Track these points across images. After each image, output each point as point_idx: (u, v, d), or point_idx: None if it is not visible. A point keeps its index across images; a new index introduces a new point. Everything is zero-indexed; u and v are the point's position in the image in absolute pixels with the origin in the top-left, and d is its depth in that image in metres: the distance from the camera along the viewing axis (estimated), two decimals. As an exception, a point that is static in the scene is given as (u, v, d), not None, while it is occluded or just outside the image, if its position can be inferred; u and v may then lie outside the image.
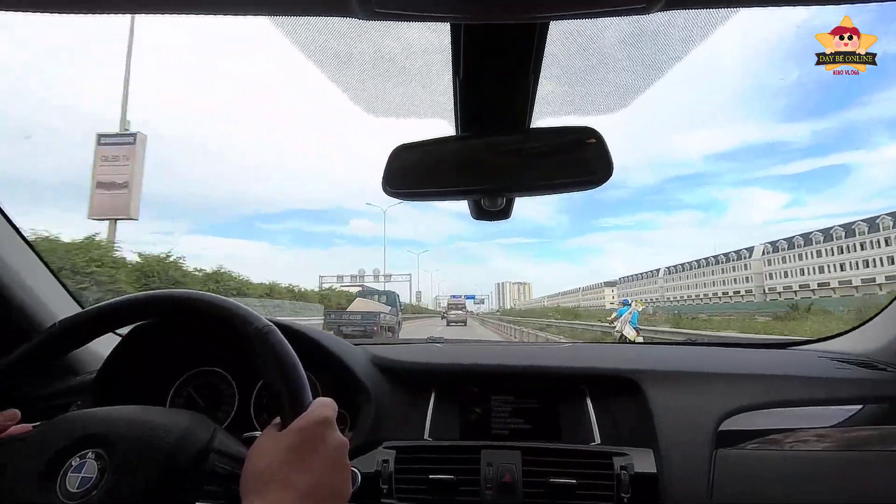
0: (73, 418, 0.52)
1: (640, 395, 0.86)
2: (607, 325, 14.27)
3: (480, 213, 0.72)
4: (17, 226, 0.87)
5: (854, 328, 1.13)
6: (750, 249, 77.52)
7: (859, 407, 0.86)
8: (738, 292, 74.01)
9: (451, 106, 0.61)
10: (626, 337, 10.24)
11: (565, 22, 0.50)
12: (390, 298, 20.30)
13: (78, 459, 0.47)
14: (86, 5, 0.39)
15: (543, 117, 0.61)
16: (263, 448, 0.46)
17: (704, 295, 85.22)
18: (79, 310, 0.93)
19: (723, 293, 79.79)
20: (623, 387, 0.88)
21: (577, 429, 0.85)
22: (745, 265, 76.36)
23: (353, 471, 0.51)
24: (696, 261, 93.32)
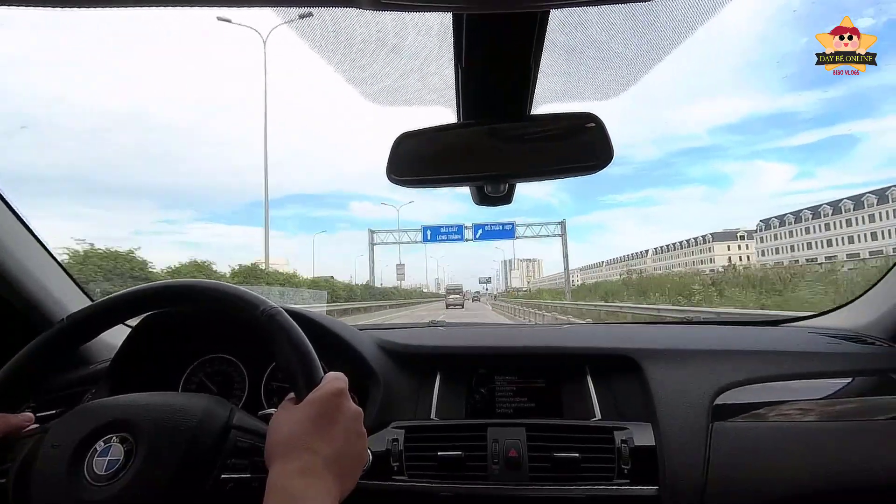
0: (95, 406, 0.54)
1: (638, 372, 0.88)
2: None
3: (483, 198, 0.73)
4: (27, 221, 0.88)
5: (845, 304, 1.16)
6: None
7: (848, 380, 0.89)
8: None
9: (453, 93, 0.62)
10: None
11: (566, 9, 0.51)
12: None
13: (102, 444, 0.49)
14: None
15: (545, 103, 0.62)
16: (284, 419, 0.49)
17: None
18: (88, 303, 0.95)
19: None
20: (622, 365, 0.91)
21: (578, 406, 0.88)
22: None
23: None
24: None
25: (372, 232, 32.65)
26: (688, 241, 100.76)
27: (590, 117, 0.59)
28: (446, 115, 0.66)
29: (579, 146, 0.60)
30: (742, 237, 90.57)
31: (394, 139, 0.64)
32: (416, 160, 0.64)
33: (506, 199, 0.74)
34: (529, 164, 0.61)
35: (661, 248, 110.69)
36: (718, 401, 0.83)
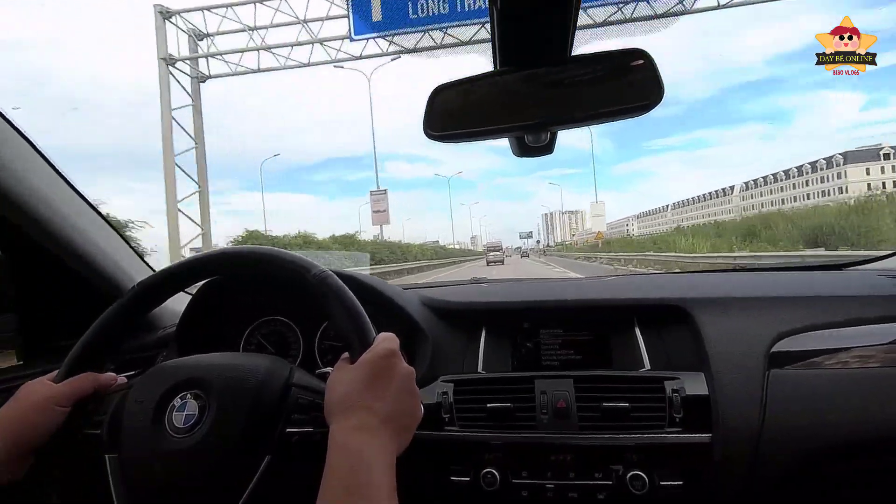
0: (170, 366, 0.58)
1: (689, 321, 0.86)
2: None
3: (523, 149, 0.71)
4: (86, 196, 0.93)
5: None
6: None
7: None
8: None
9: (489, 40, 0.59)
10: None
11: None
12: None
13: (179, 400, 0.53)
14: None
15: (587, 42, 0.58)
16: (340, 379, 0.51)
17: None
18: (150, 272, 1.02)
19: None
20: (672, 314, 0.89)
21: (626, 357, 0.88)
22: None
23: None
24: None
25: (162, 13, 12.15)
26: (799, 168, 78.45)
27: (637, 53, 0.55)
28: (483, 63, 0.63)
29: (627, 86, 0.56)
30: (887, 155, 69.34)
31: (429, 93, 0.62)
32: (454, 113, 0.62)
33: (547, 148, 0.71)
34: (573, 110, 0.58)
35: (754, 182, 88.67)
36: (776, 348, 0.80)
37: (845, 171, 71.17)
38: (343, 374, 0.51)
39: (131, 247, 1.05)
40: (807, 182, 77.47)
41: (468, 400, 0.82)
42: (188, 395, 0.53)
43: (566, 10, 0.52)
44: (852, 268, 1.15)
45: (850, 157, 70.91)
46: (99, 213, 0.96)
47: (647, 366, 0.85)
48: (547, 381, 0.82)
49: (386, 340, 0.53)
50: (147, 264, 1.09)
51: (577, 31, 0.56)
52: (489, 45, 0.59)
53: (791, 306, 0.86)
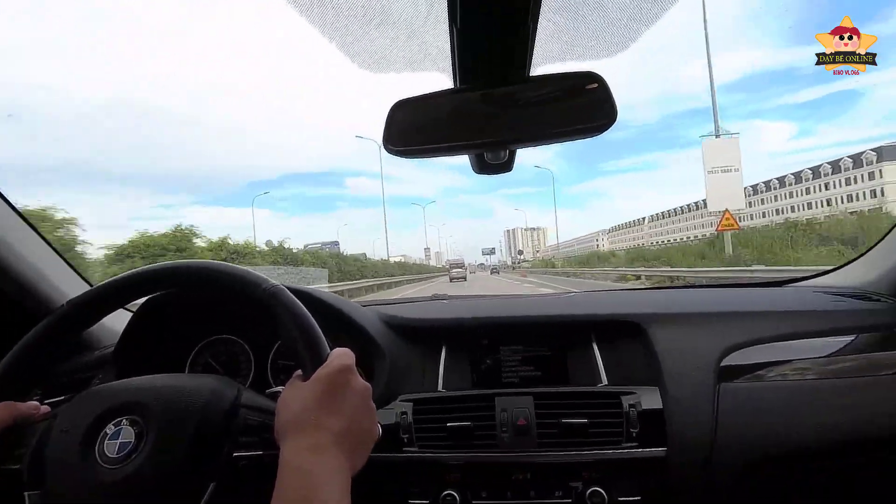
0: (104, 389, 0.54)
1: (643, 336, 0.89)
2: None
3: (483, 166, 0.72)
4: (18, 209, 0.86)
5: (849, 262, 1.15)
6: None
7: (853, 337, 0.89)
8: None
9: (449, 57, 0.60)
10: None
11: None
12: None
13: (113, 427, 0.49)
14: None
15: (544, 64, 0.59)
16: (292, 396, 0.49)
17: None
18: (87, 288, 0.95)
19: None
20: (627, 330, 0.91)
21: (584, 373, 0.89)
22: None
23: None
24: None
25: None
26: (814, 170, 65.91)
27: (591, 77, 0.57)
28: (442, 80, 0.63)
29: (582, 107, 0.58)
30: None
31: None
32: (413, 129, 0.61)
33: (506, 166, 0.72)
34: (530, 129, 0.59)
35: (754, 187, 74.55)
36: (725, 362, 0.83)
37: (881, 171, 58.62)
38: (295, 392, 0.49)
39: (66, 261, 0.98)
40: (826, 185, 65.74)
41: (428, 419, 0.81)
42: (123, 422, 0.49)
43: (524, 30, 0.53)
44: (791, 284, 1.23)
45: (885, 153, 58.05)
46: (29, 223, 0.89)
47: (605, 381, 0.86)
48: (507, 398, 0.82)
49: (340, 356, 0.51)
50: (85, 280, 1.02)
51: (534, 53, 0.58)
52: (448, 60, 0.59)
53: (738, 321, 0.90)
